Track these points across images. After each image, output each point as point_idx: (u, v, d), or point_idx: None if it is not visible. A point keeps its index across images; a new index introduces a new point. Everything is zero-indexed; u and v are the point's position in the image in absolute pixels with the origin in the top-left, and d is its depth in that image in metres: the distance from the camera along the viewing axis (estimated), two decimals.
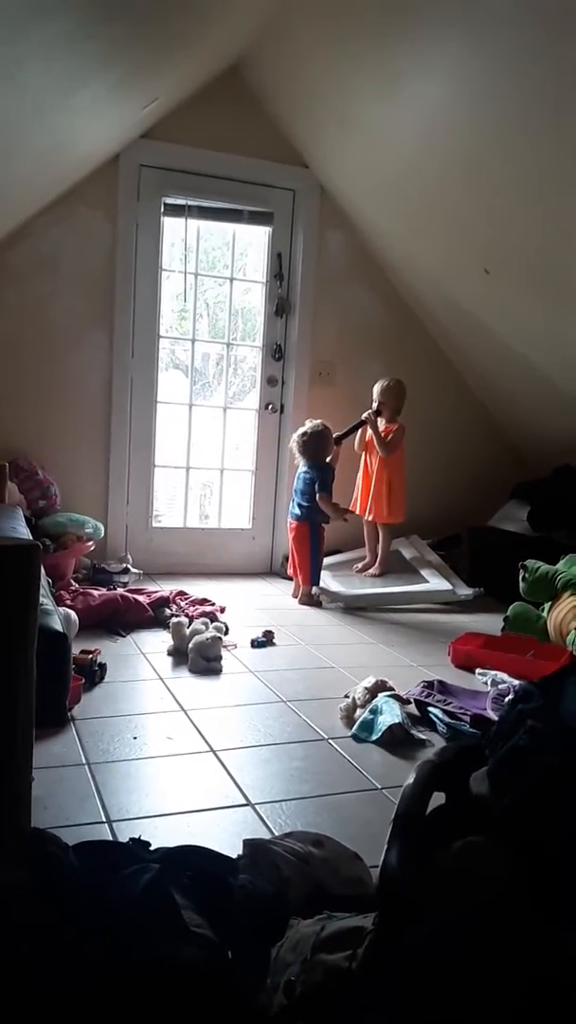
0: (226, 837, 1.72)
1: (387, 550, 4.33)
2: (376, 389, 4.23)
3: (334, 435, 4.07)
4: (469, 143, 3.14)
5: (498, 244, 3.55)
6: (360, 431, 4.24)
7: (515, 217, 3.31)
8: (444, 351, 4.73)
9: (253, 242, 4.52)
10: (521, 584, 3.40)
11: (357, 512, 4.27)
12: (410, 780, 0.92)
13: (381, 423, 4.21)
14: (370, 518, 4.29)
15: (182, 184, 4.13)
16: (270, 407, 4.53)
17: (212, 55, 3.62)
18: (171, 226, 4.23)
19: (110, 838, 1.69)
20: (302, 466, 4.03)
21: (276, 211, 4.34)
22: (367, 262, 4.49)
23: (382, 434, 4.17)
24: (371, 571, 4.32)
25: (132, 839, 1.32)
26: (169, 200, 4.15)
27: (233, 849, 1.48)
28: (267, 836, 1.70)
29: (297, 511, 4.00)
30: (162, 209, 4.13)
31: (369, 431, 4.21)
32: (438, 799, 0.98)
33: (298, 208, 4.35)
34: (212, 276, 4.64)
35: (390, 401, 4.20)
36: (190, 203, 4.19)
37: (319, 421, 4.00)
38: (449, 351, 4.71)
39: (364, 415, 4.20)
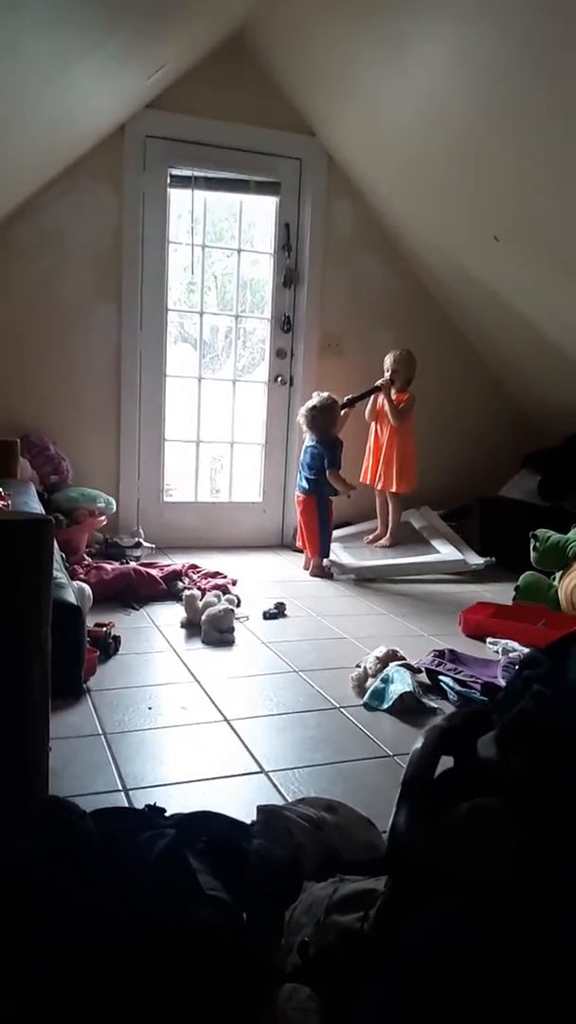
0: (240, 804, 1.74)
1: (397, 521, 4.33)
2: (388, 359, 4.23)
3: (347, 398, 4.09)
4: (475, 108, 3.09)
5: (507, 211, 3.51)
6: (372, 398, 4.24)
7: (523, 183, 3.26)
8: (454, 320, 4.69)
9: (260, 213, 4.48)
10: (532, 553, 3.40)
11: (368, 483, 4.28)
12: (418, 744, 0.94)
13: (392, 393, 4.20)
14: (380, 487, 4.29)
15: (188, 155, 4.09)
16: (279, 379, 4.52)
17: (215, 20, 3.56)
18: (177, 198, 4.20)
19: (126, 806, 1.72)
20: (309, 440, 4.02)
21: (283, 181, 4.30)
22: (375, 231, 4.45)
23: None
24: (382, 542, 4.32)
25: (148, 805, 1.34)
26: (175, 171, 4.11)
27: (247, 816, 1.50)
28: (281, 803, 1.73)
29: (305, 484, 4.00)
30: (168, 180, 4.10)
31: (382, 398, 4.20)
32: (446, 763, 1.00)
33: (305, 177, 4.31)
34: (220, 248, 4.61)
35: (402, 370, 4.20)
36: (196, 174, 4.16)
37: (327, 394, 3.99)
38: (459, 320, 4.67)
39: (379, 381, 4.19)
